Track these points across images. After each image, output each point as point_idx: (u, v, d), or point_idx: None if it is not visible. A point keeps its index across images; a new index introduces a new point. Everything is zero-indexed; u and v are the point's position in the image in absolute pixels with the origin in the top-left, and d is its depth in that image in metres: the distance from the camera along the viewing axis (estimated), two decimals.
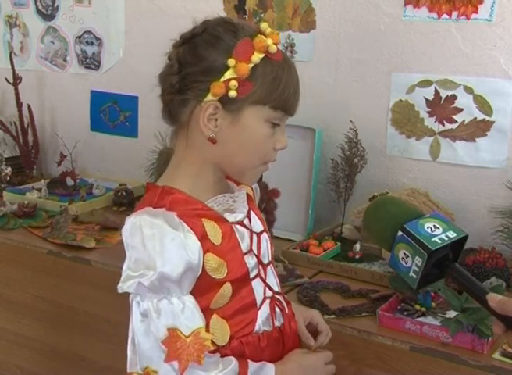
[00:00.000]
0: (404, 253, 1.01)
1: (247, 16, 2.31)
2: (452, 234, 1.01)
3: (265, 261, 1.23)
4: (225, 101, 1.10)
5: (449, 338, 1.45)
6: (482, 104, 1.98)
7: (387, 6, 2.07)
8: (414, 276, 1.00)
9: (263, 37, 1.11)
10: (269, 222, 1.88)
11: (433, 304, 1.58)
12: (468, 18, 1.96)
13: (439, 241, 0.99)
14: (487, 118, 1.98)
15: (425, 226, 1.01)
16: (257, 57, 1.10)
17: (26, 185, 2.60)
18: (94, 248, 2.04)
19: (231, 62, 1.09)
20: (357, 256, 1.93)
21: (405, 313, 1.56)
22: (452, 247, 1.01)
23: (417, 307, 1.57)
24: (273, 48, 1.11)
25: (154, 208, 1.11)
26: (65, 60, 2.82)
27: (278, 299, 1.24)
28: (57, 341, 2.11)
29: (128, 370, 1.14)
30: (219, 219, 1.13)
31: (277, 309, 1.22)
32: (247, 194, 1.25)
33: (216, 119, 1.11)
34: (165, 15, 2.50)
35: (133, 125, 2.69)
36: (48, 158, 2.93)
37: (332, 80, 2.21)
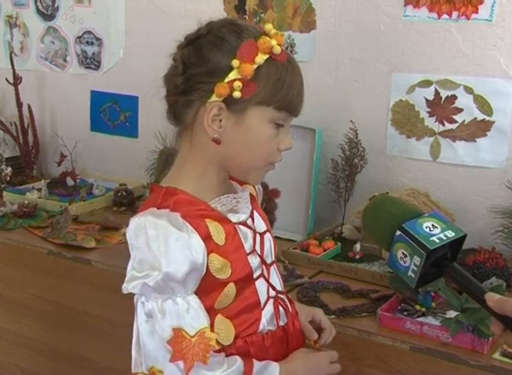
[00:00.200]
0: (403, 253, 1.01)
1: (247, 16, 2.31)
2: (450, 234, 1.01)
3: (268, 261, 1.23)
4: (229, 101, 1.10)
5: (449, 338, 1.45)
6: (482, 104, 1.98)
7: (387, 6, 2.07)
8: (413, 275, 1.00)
9: (267, 38, 1.11)
10: (269, 222, 1.88)
11: (433, 304, 1.58)
12: (468, 18, 1.96)
13: (437, 241, 0.99)
14: (487, 118, 1.98)
15: (424, 225, 1.01)
16: (261, 58, 1.10)
17: (26, 185, 2.60)
18: (94, 248, 2.04)
19: (235, 62, 1.09)
20: (358, 256, 1.93)
21: (405, 313, 1.56)
22: (450, 246, 1.01)
23: (418, 307, 1.57)
24: (277, 49, 1.11)
25: (158, 208, 1.11)
26: (65, 60, 2.82)
27: (281, 298, 1.24)
28: (57, 341, 2.11)
29: (133, 371, 1.14)
30: (223, 220, 1.14)
31: (281, 309, 1.23)
32: (251, 195, 1.26)
33: (220, 120, 1.12)
34: (165, 15, 2.50)
35: (133, 125, 2.69)
36: (48, 158, 2.93)
37: (332, 80, 2.21)
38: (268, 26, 1.13)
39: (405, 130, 2.11)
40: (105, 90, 2.73)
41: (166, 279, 1.05)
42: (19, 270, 2.14)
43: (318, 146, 2.09)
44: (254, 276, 1.18)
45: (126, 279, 1.10)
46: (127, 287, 1.09)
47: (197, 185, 1.16)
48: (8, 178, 2.63)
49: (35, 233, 2.18)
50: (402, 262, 1.02)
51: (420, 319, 1.54)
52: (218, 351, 1.10)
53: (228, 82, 1.09)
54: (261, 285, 1.19)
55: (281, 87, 1.11)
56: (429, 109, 2.06)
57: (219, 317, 1.13)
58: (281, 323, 1.22)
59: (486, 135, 1.99)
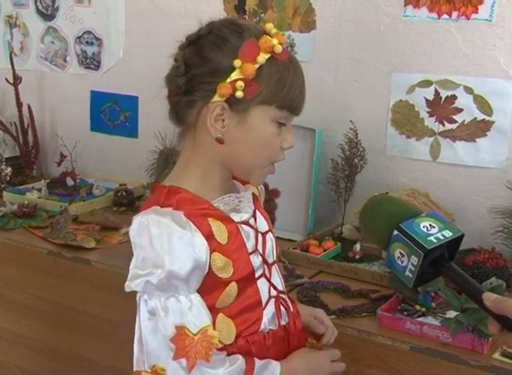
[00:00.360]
0: (400, 252, 1.01)
1: (247, 16, 2.31)
2: (448, 233, 1.01)
3: (270, 260, 1.23)
4: (231, 101, 1.11)
5: (449, 338, 1.45)
6: (482, 104, 1.98)
7: (387, 6, 2.07)
8: (410, 275, 1.00)
9: (268, 37, 1.12)
10: None
11: (433, 304, 1.58)
12: (468, 18, 1.96)
13: (434, 240, 0.99)
14: (487, 118, 1.98)
15: (421, 225, 1.01)
16: (262, 57, 1.10)
17: (26, 185, 2.60)
18: (94, 248, 2.04)
19: (237, 62, 1.09)
20: (357, 256, 1.93)
21: (405, 313, 1.56)
22: (448, 246, 1.01)
23: (418, 307, 1.57)
24: (278, 48, 1.12)
25: (161, 207, 1.11)
26: (65, 60, 2.82)
27: (283, 298, 1.24)
28: (57, 341, 2.11)
29: (134, 369, 1.14)
30: (225, 219, 1.14)
31: (282, 308, 1.23)
32: (253, 194, 1.26)
33: (223, 120, 1.12)
34: (165, 15, 2.50)
35: (133, 125, 2.69)
36: (47, 158, 2.93)
37: (332, 80, 2.21)
38: (269, 26, 1.13)
39: (405, 130, 2.11)
40: (105, 90, 2.73)
41: (169, 277, 1.06)
42: (19, 270, 2.14)
43: (318, 146, 2.09)
44: (256, 275, 1.18)
45: (129, 277, 1.10)
46: (130, 286, 1.09)
47: (199, 185, 1.16)
48: (8, 178, 2.63)
49: (35, 233, 2.18)
50: (399, 262, 1.02)
51: (420, 319, 1.54)
52: (220, 350, 1.11)
53: (230, 82, 1.10)
54: (262, 285, 1.19)
55: (283, 86, 1.11)
56: (429, 109, 2.06)
57: (221, 316, 1.13)
58: (282, 323, 1.22)
59: (486, 135, 1.99)
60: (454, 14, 1.97)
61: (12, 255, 2.14)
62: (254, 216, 1.21)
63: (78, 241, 2.08)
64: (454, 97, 2.01)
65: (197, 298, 1.09)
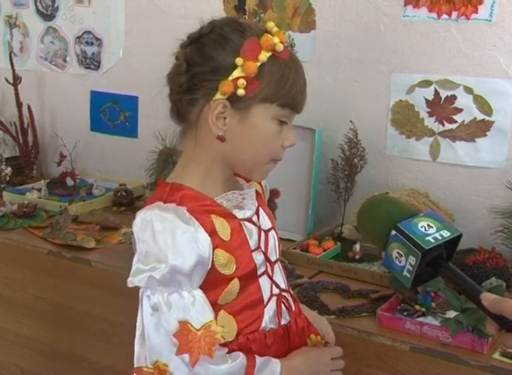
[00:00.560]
0: (398, 252, 1.01)
1: (246, 16, 2.31)
2: (446, 233, 1.00)
3: (273, 258, 1.24)
4: (233, 99, 1.11)
5: (449, 338, 1.45)
6: (482, 104, 1.98)
7: (387, 6, 2.07)
8: (408, 275, 1.00)
9: (269, 36, 1.13)
10: None
11: (433, 304, 1.58)
12: (468, 18, 1.96)
13: (432, 240, 0.98)
14: (487, 118, 1.98)
15: (419, 225, 1.01)
16: (264, 56, 1.11)
17: (26, 185, 2.60)
18: (93, 248, 2.04)
19: (239, 60, 1.10)
20: (357, 256, 1.93)
21: (405, 313, 1.56)
22: (446, 246, 1.01)
23: (417, 307, 1.57)
24: (280, 47, 1.13)
25: (164, 203, 1.12)
26: (65, 60, 2.82)
27: (284, 297, 1.25)
28: (57, 341, 2.11)
29: (135, 365, 1.14)
30: (228, 216, 1.15)
31: (283, 307, 1.23)
32: (256, 192, 1.26)
33: (225, 118, 1.13)
34: (165, 15, 2.50)
35: (133, 125, 2.69)
36: (47, 158, 2.93)
37: (332, 80, 2.21)
38: (270, 25, 1.14)
39: (405, 130, 2.11)
40: (105, 90, 2.73)
41: (173, 272, 1.06)
42: (19, 270, 2.14)
43: (318, 146, 2.09)
44: (258, 273, 1.18)
45: (132, 272, 1.10)
46: (133, 281, 1.09)
47: (201, 182, 1.16)
48: (8, 178, 2.63)
49: (35, 233, 2.18)
50: (397, 262, 1.01)
51: (420, 319, 1.54)
52: (222, 346, 1.11)
53: (232, 80, 1.10)
54: (264, 282, 1.20)
55: (284, 84, 1.12)
56: (429, 109, 2.06)
57: (222, 313, 1.14)
58: (283, 322, 1.22)
59: (486, 135, 1.99)
60: (454, 14, 1.97)
61: (12, 255, 2.14)
62: (257, 213, 1.22)
63: (78, 241, 2.08)
64: (454, 97, 2.01)
65: (199, 294, 1.09)
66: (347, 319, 1.58)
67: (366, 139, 2.09)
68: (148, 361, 1.10)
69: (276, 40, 1.12)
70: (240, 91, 1.10)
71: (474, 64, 1.98)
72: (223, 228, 1.12)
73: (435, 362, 1.44)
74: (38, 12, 2.84)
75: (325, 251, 1.96)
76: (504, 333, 0.94)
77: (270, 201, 1.96)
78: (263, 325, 1.18)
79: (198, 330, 1.07)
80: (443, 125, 2.05)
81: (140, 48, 2.60)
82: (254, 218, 1.20)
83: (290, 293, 1.30)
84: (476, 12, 1.94)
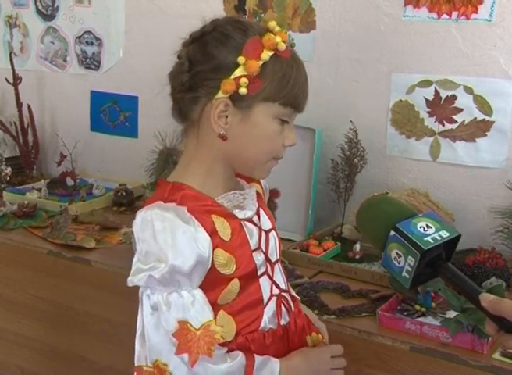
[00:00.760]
0: (397, 253, 1.01)
1: (247, 16, 2.31)
2: (445, 234, 1.00)
3: (273, 259, 1.24)
4: (235, 98, 1.11)
5: (449, 338, 1.45)
6: (482, 104, 1.98)
7: (387, 6, 2.07)
8: (407, 275, 1.00)
9: (271, 35, 1.13)
10: None
11: (433, 304, 1.58)
12: (468, 18, 1.96)
13: (431, 241, 0.98)
14: (487, 118, 1.98)
15: (418, 225, 1.01)
16: (266, 54, 1.11)
17: (26, 185, 2.60)
18: (94, 248, 2.04)
19: (241, 59, 1.10)
20: (357, 256, 1.93)
21: (405, 313, 1.56)
22: (445, 246, 1.01)
23: (417, 307, 1.57)
24: (282, 46, 1.13)
25: (164, 202, 1.12)
26: (65, 60, 2.82)
27: (284, 297, 1.25)
28: (57, 341, 2.11)
29: (136, 364, 1.14)
30: (229, 216, 1.15)
31: (283, 308, 1.23)
32: (257, 192, 1.26)
33: (227, 117, 1.13)
34: (165, 15, 2.50)
35: (133, 125, 2.69)
36: (47, 158, 2.93)
37: (332, 80, 2.21)
38: (272, 24, 1.14)
39: (405, 130, 2.11)
40: (105, 90, 2.73)
41: (173, 271, 1.06)
42: (19, 270, 2.14)
43: (318, 146, 2.09)
44: (259, 273, 1.18)
45: (132, 271, 1.10)
46: (133, 280, 1.09)
47: (203, 181, 1.17)
48: (8, 178, 2.63)
49: (35, 233, 2.18)
50: (396, 263, 1.01)
51: (420, 319, 1.54)
52: (222, 345, 1.11)
53: (234, 78, 1.10)
54: (264, 282, 1.20)
55: (286, 83, 1.12)
56: (429, 109, 2.06)
57: (221, 313, 1.14)
58: (282, 322, 1.22)
59: (486, 135, 1.99)
60: (454, 14, 1.97)
61: (12, 255, 2.14)
62: (257, 213, 1.22)
63: (78, 241, 2.08)
64: (454, 97, 2.01)
65: (199, 294, 1.10)
66: (347, 319, 1.58)
67: (366, 139, 2.09)
68: (148, 360, 1.10)
69: (278, 39, 1.12)
70: (242, 90, 1.10)
71: (474, 64, 1.98)
72: (224, 228, 1.12)
73: (435, 362, 1.44)
74: (38, 12, 2.84)
75: (325, 251, 1.96)
76: (503, 334, 0.94)
77: (270, 201, 1.96)
78: (262, 325, 1.18)
79: (197, 330, 1.07)
80: (443, 125, 2.05)
81: (140, 48, 2.60)
82: (255, 218, 1.20)
83: (290, 293, 1.30)
84: (476, 12, 1.94)
